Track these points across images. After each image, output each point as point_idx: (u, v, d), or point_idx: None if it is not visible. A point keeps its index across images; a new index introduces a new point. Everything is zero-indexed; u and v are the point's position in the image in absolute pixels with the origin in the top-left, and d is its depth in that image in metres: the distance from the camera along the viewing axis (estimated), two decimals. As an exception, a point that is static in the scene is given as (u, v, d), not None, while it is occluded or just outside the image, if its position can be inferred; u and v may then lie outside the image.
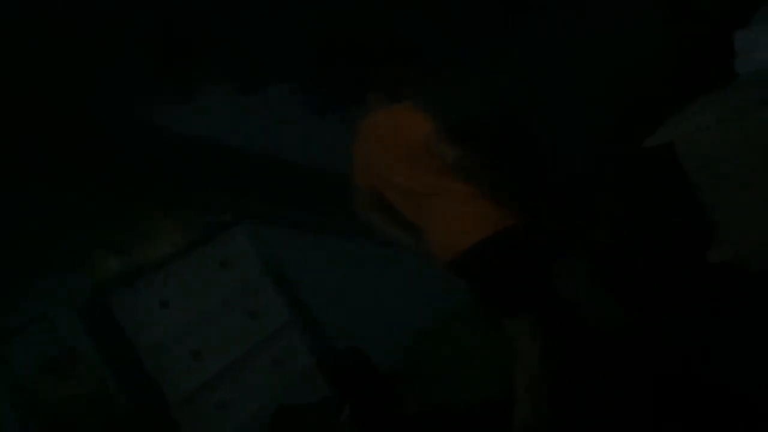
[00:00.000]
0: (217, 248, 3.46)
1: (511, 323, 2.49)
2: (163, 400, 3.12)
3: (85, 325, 3.22)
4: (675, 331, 2.45)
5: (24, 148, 3.16)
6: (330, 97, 3.60)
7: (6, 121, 3.03)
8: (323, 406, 3.52)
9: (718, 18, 2.92)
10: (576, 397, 2.61)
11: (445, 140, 2.33)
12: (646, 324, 2.70)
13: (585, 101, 3.40)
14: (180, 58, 3.35)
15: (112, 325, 3.10)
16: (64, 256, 3.25)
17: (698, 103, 2.75)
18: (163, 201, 3.62)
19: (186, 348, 3.22)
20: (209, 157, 3.59)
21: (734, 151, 2.47)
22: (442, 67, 3.69)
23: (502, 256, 2.40)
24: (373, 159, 2.55)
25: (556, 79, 3.51)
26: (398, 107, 2.48)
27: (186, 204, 3.65)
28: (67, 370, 3.11)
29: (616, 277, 2.93)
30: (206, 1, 3.40)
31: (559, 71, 3.50)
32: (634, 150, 2.76)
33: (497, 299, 2.54)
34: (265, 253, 3.59)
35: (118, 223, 3.41)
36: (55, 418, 3.04)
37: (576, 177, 3.14)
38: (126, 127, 3.41)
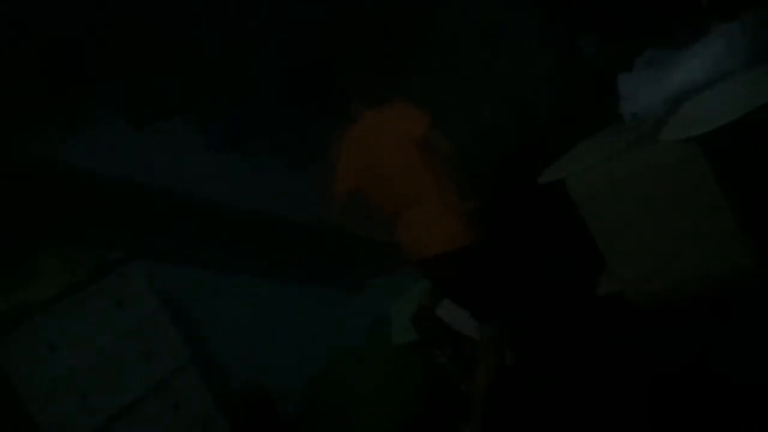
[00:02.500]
0: (110, 287, 3.30)
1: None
2: (49, 449, 2.94)
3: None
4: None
5: None
6: (233, 130, 3.58)
7: None
8: (223, 449, 3.42)
9: (604, 62, 3.11)
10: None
11: (440, 132, 2.58)
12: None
13: (474, 139, 3.52)
14: (72, 86, 3.23)
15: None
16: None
17: (585, 143, 2.90)
18: (50, 236, 3.44)
19: (75, 393, 3.04)
20: (102, 191, 3.45)
21: (616, 188, 2.61)
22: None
23: (477, 266, 2.70)
24: (366, 158, 2.68)
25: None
26: (392, 105, 2.68)
27: (76, 240, 3.48)
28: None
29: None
30: (99, 27, 3.31)
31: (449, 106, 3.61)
32: (528, 186, 2.88)
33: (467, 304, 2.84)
34: (161, 292, 3.46)
35: (1, 259, 3.21)
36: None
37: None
38: (10, 158, 3.24)
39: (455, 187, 2.65)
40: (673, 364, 2.44)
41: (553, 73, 3.50)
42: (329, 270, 4.17)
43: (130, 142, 3.30)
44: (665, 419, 2.26)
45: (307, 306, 4.01)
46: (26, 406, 2.91)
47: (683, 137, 2.38)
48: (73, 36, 3.26)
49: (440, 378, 3.39)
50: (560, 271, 2.95)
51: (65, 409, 3.01)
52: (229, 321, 3.73)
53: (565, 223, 2.75)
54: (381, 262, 4.02)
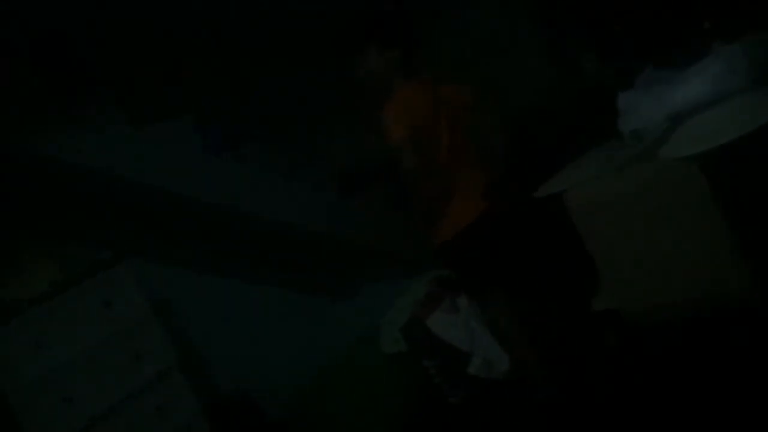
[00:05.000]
0: (100, 286, 3.27)
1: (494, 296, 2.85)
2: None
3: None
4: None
5: None
6: (227, 134, 3.57)
7: None
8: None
9: (604, 79, 3.13)
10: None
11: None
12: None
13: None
14: (70, 84, 3.21)
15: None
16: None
17: (584, 158, 2.91)
18: (41, 233, 3.41)
19: (60, 392, 3.00)
20: (95, 188, 3.42)
21: (614, 204, 2.62)
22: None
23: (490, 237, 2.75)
24: (423, 110, 2.70)
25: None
26: (439, 83, 2.73)
27: (67, 238, 3.45)
28: None
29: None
30: (100, 26, 3.29)
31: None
32: (525, 199, 2.89)
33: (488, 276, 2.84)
34: (152, 293, 3.43)
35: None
36: None
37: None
38: (5, 154, 3.21)
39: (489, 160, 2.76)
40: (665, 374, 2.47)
41: (553, 87, 3.52)
42: (321, 277, 4.16)
43: (128, 142, 3.27)
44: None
45: (297, 313, 4.00)
46: (9, 403, 2.87)
47: (682, 155, 2.39)
48: (73, 34, 3.24)
49: (429, 389, 3.38)
50: (556, 282, 2.95)
51: (49, 407, 2.97)
52: (218, 325, 3.71)
53: (562, 237, 2.75)
54: (373, 270, 4.02)
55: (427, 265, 3.79)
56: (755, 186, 2.35)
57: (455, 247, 2.77)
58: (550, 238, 2.76)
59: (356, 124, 3.89)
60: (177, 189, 3.34)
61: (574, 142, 3.01)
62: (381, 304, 3.88)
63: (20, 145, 3.14)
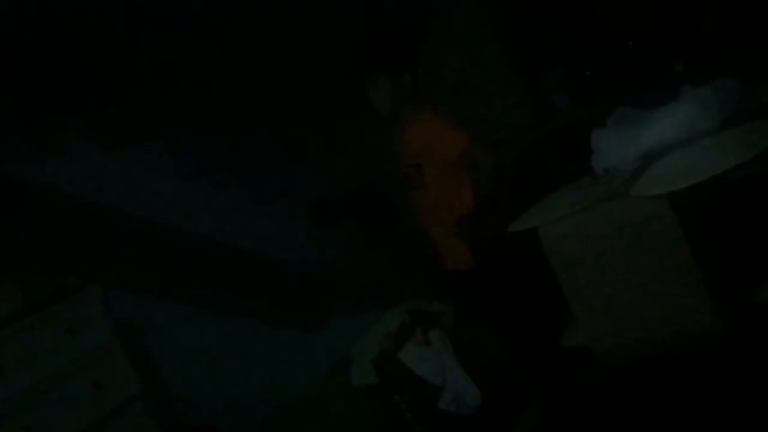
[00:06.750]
0: (64, 312, 3.22)
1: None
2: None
3: None
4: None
5: None
6: (201, 160, 3.54)
7: None
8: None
9: (577, 117, 3.17)
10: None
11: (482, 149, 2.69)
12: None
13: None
14: (38, 104, 3.16)
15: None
16: None
17: (556, 195, 2.92)
18: (3, 257, 3.33)
19: (19, 421, 2.93)
20: (62, 212, 3.37)
21: (586, 240, 2.62)
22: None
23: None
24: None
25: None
26: (434, 122, 2.75)
27: (31, 262, 3.38)
28: None
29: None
30: (72, 45, 3.25)
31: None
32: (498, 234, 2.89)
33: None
34: (117, 320, 3.37)
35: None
36: None
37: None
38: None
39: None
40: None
41: (526, 125, 3.56)
42: (291, 308, 4.12)
43: (99, 166, 3.24)
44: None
45: (266, 343, 3.94)
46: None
47: (654, 194, 2.41)
48: (47, 56, 3.20)
49: (398, 424, 3.33)
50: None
51: (7, 436, 2.89)
52: (185, 355, 3.64)
53: (533, 273, 2.75)
54: (345, 300, 3.99)
55: (399, 296, 3.78)
56: (725, 225, 2.37)
57: (474, 275, 2.90)
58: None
59: (335, 150, 3.91)
60: (147, 214, 3.30)
61: (545, 179, 3.03)
62: (352, 335, 3.84)
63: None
